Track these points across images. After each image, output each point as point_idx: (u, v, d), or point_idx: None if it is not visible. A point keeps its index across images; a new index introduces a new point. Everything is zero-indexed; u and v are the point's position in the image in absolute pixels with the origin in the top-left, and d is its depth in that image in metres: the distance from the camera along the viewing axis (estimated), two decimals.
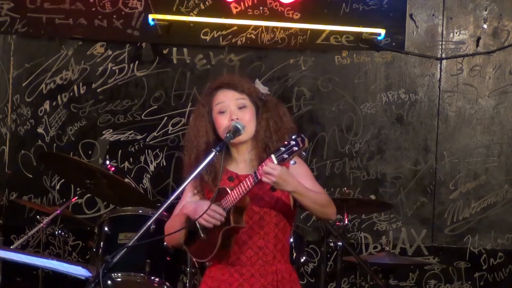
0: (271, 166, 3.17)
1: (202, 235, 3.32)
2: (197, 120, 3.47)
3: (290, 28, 6.37)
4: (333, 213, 3.43)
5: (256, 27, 6.39)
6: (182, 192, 3.29)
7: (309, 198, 3.31)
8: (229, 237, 3.32)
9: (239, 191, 3.25)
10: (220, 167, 3.31)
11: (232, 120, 3.37)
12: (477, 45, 6.39)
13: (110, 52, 6.47)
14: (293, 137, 3.16)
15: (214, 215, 3.25)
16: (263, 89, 3.47)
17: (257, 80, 3.50)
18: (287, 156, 3.15)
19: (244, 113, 3.40)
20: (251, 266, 3.37)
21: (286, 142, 3.17)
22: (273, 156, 3.18)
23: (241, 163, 3.45)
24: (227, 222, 3.27)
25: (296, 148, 3.14)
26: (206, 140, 3.41)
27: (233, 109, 3.39)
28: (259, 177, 3.20)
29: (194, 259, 3.52)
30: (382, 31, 6.32)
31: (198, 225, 3.32)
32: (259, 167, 3.21)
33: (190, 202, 3.37)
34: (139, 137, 6.46)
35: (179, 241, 3.43)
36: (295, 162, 3.24)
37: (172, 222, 3.45)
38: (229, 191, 3.27)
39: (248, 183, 3.23)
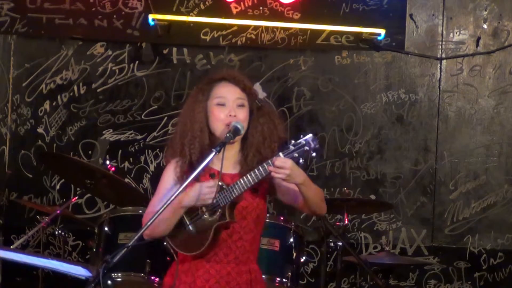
0: (282, 160, 3.19)
1: (190, 229, 3.33)
2: (195, 104, 3.44)
3: (290, 28, 6.37)
4: (325, 208, 3.52)
5: (256, 27, 6.38)
6: (181, 192, 3.28)
7: (313, 190, 3.38)
8: (218, 232, 3.33)
9: (242, 185, 3.25)
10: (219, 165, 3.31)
11: (230, 116, 3.36)
12: (477, 45, 6.39)
13: (110, 52, 6.47)
14: (306, 137, 3.19)
15: (212, 189, 3.25)
16: (261, 94, 3.45)
17: (257, 84, 3.48)
18: (297, 155, 3.19)
19: (241, 112, 3.39)
20: (226, 264, 3.38)
21: (297, 141, 3.19)
22: (281, 154, 3.20)
23: (225, 161, 3.36)
24: (221, 216, 3.28)
25: (307, 148, 3.18)
26: (199, 127, 3.40)
27: (232, 106, 3.38)
28: (267, 170, 3.20)
29: (177, 251, 3.42)
30: (382, 31, 6.32)
31: (186, 220, 3.33)
32: (269, 161, 3.21)
33: (183, 195, 3.28)
34: (139, 137, 6.46)
35: (164, 232, 3.35)
36: (304, 162, 3.25)
37: (159, 214, 3.29)
38: (224, 187, 3.27)
39: (254, 176, 3.24)
